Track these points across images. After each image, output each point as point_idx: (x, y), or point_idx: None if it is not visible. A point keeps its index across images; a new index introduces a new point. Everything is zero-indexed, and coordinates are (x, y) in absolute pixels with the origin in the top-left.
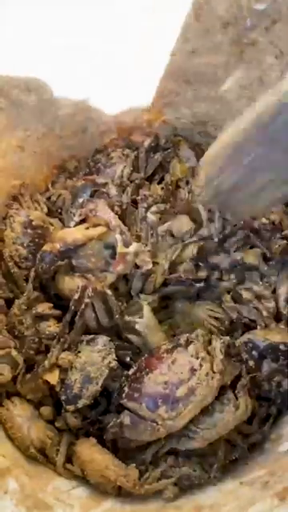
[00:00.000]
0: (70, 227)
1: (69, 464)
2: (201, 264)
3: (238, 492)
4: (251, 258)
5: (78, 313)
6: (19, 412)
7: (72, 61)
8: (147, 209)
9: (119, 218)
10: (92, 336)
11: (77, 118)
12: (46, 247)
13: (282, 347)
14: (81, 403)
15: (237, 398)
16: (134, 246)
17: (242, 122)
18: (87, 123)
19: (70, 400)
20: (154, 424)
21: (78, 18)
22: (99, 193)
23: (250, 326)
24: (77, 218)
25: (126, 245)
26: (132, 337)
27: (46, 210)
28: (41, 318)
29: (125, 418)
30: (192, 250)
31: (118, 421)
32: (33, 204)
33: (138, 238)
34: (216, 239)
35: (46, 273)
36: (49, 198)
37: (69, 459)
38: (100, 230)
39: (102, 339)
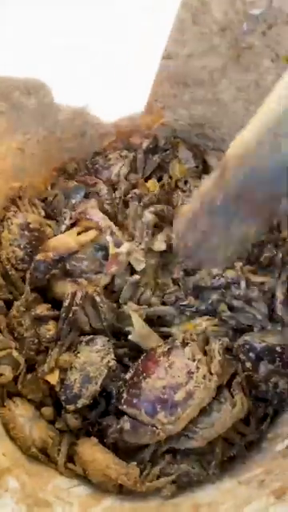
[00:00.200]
0: (61, 231)
1: (70, 463)
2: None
3: (236, 491)
4: (232, 272)
5: (66, 320)
6: (21, 412)
7: (72, 61)
8: (144, 207)
9: (111, 216)
10: (91, 336)
11: (76, 122)
12: (40, 256)
13: (278, 349)
14: (80, 403)
15: (233, 396)
16: (125, 246)
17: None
18: (86, 127)
19: (70, 400)
20: (154, 428)
21: (77, 18)
22: (92, 194)
23: (247, 330)
24: (67, 222)
25: (118, 245)
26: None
27: (43, 213)
28: (39, 319)
29: (124, 423)
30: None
31: (118, 426)
32: (30, 207)
33: (132, 237)
34: None
35: (41, 281)
36: (46, 199)
37: (70, 459)
38: (92, 234)
39: (101, 339)
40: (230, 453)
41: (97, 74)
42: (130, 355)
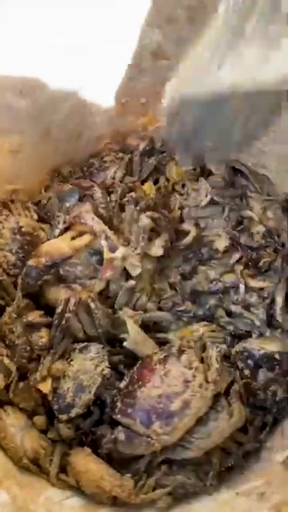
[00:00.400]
0: (55, 235)
1: (63, 474)
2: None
3: (234, 503)
4: (231, 276)
5: (59, 328)
6: (12, 421)
7: (72, 61)
8: (140, 211)
9: (105, 220)
10: (84, 344)
11: (72, 123)
12: (32, 262)
13: (277, 356)
14: (73, 412)
15: (230, 405)
16: (120, 251)
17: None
18: (82, 128)
19: (63, 409)
20: (149, 439)
21: (77, 18)
22: (86, 197)
23: (245, 336)
24: (61, 226)
25: (113, 250)
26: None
27: (35, 217)
28: (32, 326)
29: (119, 434)
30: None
31: (113, 437)
32: (23, 211)
33: (128, 241)
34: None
35: (33, 287)
36: (39, 202)
37: (63, 469)
38: (86, 239)
39: (95, 347)
40: (228, 463)
41: (97, 74)
42: (126, 362)
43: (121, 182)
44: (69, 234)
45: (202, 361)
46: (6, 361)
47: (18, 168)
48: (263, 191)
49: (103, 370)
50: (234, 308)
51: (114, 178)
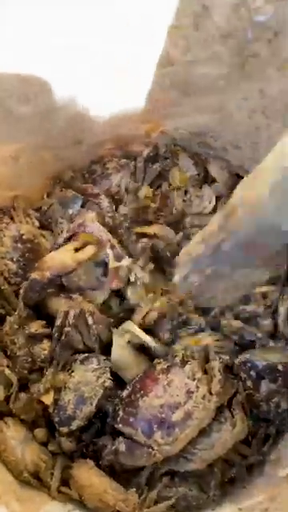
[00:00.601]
0: (58, 243)
1: (65, 487)
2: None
3: None
4: None
5: (59, 342)
6: (12, 434)
7: (72, 61)
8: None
9: (111, 229)
10: (86, 355)
11: (73, 129)
12: (36, 275)
13: (280, 367)
14: (75, 425)
15: (233, 416)
16: (126, 260)
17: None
18: (83, 134)
19: (64, 422)
20: (150, 450)
21: (77, 18)
22: (90, 203)
23: (249, 346)
24: (65, 234)
25: (118, 259)
26: None
27: (37, 224)
28: (34, 337)
29: (120, 445)
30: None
31: (113, 448)
32: (24, 218)
33: (130, 253)
34: None
35: (35, 300)
36: (40, 208)
37: (65, 482)
38: (90, 251)
39: (97, 358)
40: (230, 473)
41: (97, 74)
42: None
43: (126, 189)
44: (72, 244)
45: (205, 371)
46: (7, 372)
47: (18, 175)
48: None
49: (105, 381)
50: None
51: (119, 186)
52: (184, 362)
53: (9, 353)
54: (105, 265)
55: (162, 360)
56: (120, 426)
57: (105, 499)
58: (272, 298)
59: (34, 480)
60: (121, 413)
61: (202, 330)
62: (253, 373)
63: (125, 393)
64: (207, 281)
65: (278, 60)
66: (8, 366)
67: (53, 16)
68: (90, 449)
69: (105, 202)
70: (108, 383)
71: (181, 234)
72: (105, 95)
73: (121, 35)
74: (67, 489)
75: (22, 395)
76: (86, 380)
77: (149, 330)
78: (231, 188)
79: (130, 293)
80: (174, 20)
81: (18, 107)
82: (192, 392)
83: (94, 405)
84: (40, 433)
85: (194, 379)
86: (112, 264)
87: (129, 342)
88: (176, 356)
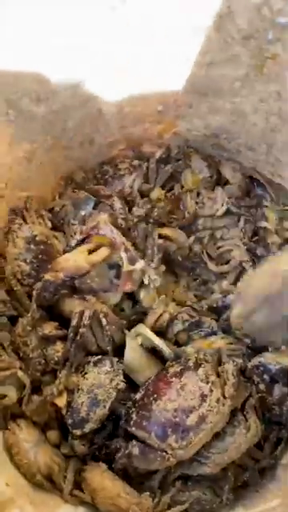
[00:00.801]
0: (71, 246)
1: (77, 490)
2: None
3: None
4: None
5: (74, 343)
6: (25, 436)
7: (72, 61)
8: (153, 225)
9: (124, 232)
10: (99, 357)
11: (84, 130)
12: (49, 276)
13: None
14: (88, 427)
15: (246, 420)
16: (140, 263)
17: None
18: (95, 134)
19: (77, 424)
20: (164, 454)
21: (77, 18)
22: (102, 205)
23: (261, 350)
24: (78, 237)
25: (132, 262)
26: None
27: (49, 225)
28: (47, 339)
29: (133, 448)
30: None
31: (127, 452)
32: (37, 219)
33: (142, 254)
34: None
35: (49, 301)
36: (52, 209)
37: (77, 485)
38: (103, 253)
39: (109, 360)
40: (243, 477)
41: (97, 73)
42: None
43: (139, 190)
44: (86, 246)
45: (218, 375)
46: (20, 373)
47: (30, 175)
48: (279, 201)
49: (118, 384)
50: None
51: (131, 187)
52: (197, 365)
53: (21, 355)
54: (118, 267)
55: (174, 363)
56: (133, 429)
57: (118, 503)
58: None
59: (47, 483)
60: (134, 416)
61: (215, 333)
62: (266, 376)
63: (138, 396)
64: (273, 324)
65: None
66: (21, 368)
67: (53, 16)
68: (102, 452)
69: (117, 204)
70: (121, 385)
71: (192, 237)
72: (104, 92)
73: (121, 35)
74: (80, 492)
75: (35, 397)
76: (100, 382)
77: (161, 332)
78: (244, 190)
79: (142, 295)
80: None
81: (31, 107)
82: (206, 395)
83: (108, 407)
84: (53, 435)
85: (207, 382)
86: (126, 267)
87: (141, 344)
88: (189, 359)
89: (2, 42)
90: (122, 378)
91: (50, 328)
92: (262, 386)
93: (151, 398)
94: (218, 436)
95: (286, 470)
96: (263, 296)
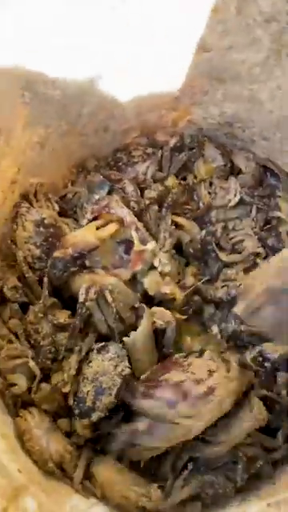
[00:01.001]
0: (82, 225)
1: (87, 481)
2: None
3: None
4: None
5: (81, 319)
6: (37, 423)
7: (72, 61)
8: (166, 209)
9: (135, 214)
10: (103, 343)
11: (99, 116)
12: (58, 253)
13: None
14: (95, 416)
15: (250, 402)
16: (151, 244)
17: None
18: (110, 121)
19: (84, 413)
20: (172, 425)
21: (77, 18)
22: (116, 191)
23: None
24: (89, 216)
25: (143, 242)
26: None
27: (57, 209)
28: (61, 328)
29: (139, 424)
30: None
31: (132, 428)
32: (45, 202)
33: (154, 238)
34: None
35: (59, 279)
36: (64, 196)
37: (86, 477)
38: (111, 228)
39: (113, 346)
40: (256, 466)
41: (97, 73)
42: None
43: (152, 178)
44: (94, 223)
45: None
46: (31, 363)
47: (43, 161)
48: None
49: (123, 370)
50: None
51: (145, 174)
52: (202, 351)
53: (32, 342)
54: (127, 242)
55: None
56: (139, 400)
57: (127, 495)
58: None
59: (58, 471)
60: (142, 388)
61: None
62: (267, 364)
63: (142, 376)
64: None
65: None
66: (32, 358)
67: (53, 16)
68: (111, 440)
69: (129, 187)
70: (126, 371)
71: (204, 231)
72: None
73: (121, 35)
74: (90, 484)
75: (44, 385)
76: (104, 370)
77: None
78: (258, 180)
79: (147, 280)
80: (214, 4)
81: (47, 90)
82: (213, 371)
83: (114, 395)
84: (63, 423)
85: (214, 361)
86: (137, 247)
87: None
88: (192, 348)
89: (2, 42)
90: (126, 363)
91: (63, 317)
92: (264, 376)
93: (159, 373)
94: (223, 417)
95: None
96: (270, 290)
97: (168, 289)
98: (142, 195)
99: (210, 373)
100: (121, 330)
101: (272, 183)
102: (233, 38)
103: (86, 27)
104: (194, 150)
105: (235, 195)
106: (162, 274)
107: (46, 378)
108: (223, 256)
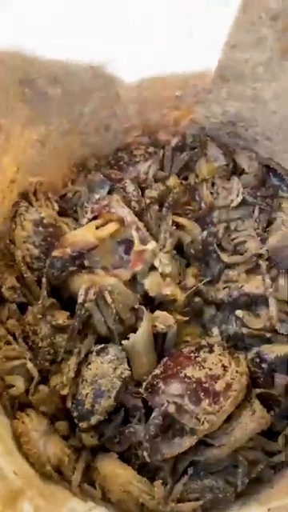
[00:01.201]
0: (82, 225)
1: (85, 484)
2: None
3: None
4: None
5: (80, 320)
6: (35, 426)
7: (72, 61)
8: (167, 209)
9: (136, 214)
10: (102, 345)
11: (101, 115)
12: (57, 252)
13: None
14: (94, 419)
15: (251, 404)
16: (152, 244)
17: None
18: (111, 119)
19: (83, 416)
20: (196, 421)
21: (77, 18)
22: (117, 191)
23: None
24: (89, 215)
25: (144, 242)
26: None
27: (57, 208)
28: (60, 329)
29: (169, 406)
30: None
31: (163, 408)
32: (44, 202)
33: (155, 238)
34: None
35: (58, 279)
36: (64, 195)
37: (85, 479)
38: (111, 227)
39: (113, 348)
40: (256, 470)
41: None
42: None
43: (154, 177)
44: (94, 222)
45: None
46: (29, 365)
47: (43, 159)
48: None
49: (122, 372)
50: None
51: (146, 174)
52: (211, 346)
53: (31, 344)
54: (127, 242)
55: (186, 345)
56: (163, 396)
57: (129, 489)
58: None
59: (56, 474)
60: (161, 385)
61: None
62: (264, 365)
63: (157, 371)
64: None
65: None
66: (30, 360)
67: (53, 16)
68: (115, 440)
69: (130, 187)
70: (126, 374)
71: (206, 232)
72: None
73: (121, 35)
74: (89, 486)
75: (42, 387)
76: (103, 372)
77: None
78: (261, 180)
79: (148, 281)
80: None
81: (47, 88)
82: (227, 366)
83: (113, 397)
84: (61, 426)
85: (225, 356)
86: (137, 247)
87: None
88: (200, 342)
89: (2, 42)
90: (126, 366)
91: (62, 318)
92: (262, 377)
93: (175, 370)
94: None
95: None
96: None
97: (169, 290)
98: (142, 195)
99: (225, 368)
100: (120, 331)
101: (275, 183)
102: (237, 36)
103: (86, 27)
104: (196, 150)
105: (238, 195)
106: (163, 275)
107: (44, 379)
108: (225, 257)
